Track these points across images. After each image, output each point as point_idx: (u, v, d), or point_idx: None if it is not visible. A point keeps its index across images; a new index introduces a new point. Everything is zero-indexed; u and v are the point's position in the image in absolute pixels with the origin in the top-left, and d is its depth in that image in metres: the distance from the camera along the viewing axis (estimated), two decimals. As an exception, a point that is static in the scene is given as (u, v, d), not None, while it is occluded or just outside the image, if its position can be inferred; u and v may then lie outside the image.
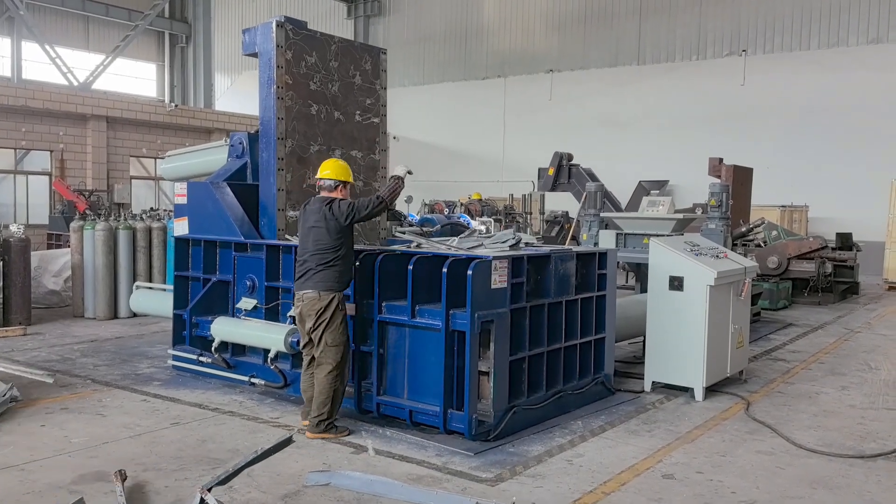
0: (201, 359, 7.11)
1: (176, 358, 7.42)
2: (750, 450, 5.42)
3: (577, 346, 6.35)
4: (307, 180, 7.14)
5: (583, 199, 10.65)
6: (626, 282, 13.70)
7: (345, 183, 5.68)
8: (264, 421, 5.87)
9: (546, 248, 6.39)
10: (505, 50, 27.08)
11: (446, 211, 16.30)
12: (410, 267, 5.53)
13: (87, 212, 14.88)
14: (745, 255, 11.04)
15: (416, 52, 28.83)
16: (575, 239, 13.14)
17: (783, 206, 19.60)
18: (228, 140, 7.71)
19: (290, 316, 6.51)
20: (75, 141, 19.87)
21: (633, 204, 15.67)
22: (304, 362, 5.72)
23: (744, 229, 13.50)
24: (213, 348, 6.94)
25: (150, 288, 8.94)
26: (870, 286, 16.70)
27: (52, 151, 19.44)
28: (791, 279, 13.70)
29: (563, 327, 6.15)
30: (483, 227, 10.62)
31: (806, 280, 13.85)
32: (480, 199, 19.04)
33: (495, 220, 15.60)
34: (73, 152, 19.82)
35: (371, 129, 7.82)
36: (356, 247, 5.96)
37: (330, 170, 5.68)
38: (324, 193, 5.68)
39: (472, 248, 5.97)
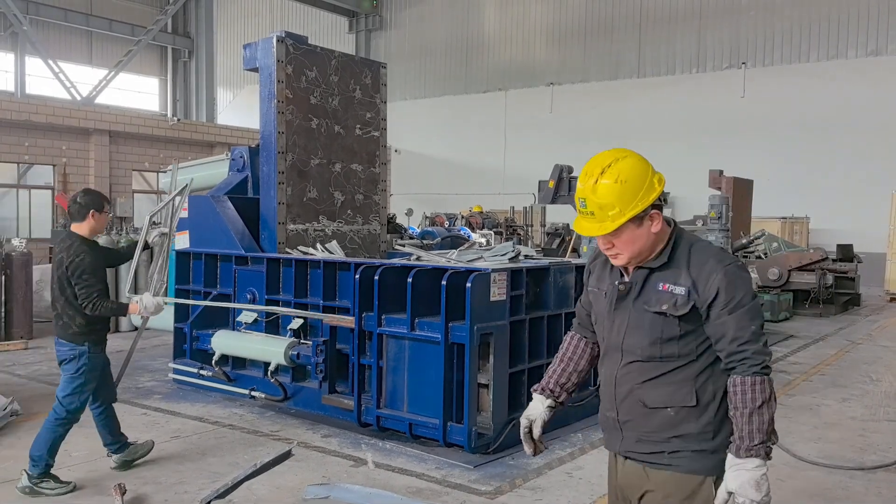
0: (202, 372, 7.12)
1: (176, 371, 7.42)
2: (750, 462, 5.40)
3: (577, 359, 6.35)
4: (307, 194, 7.18)
5: (583, 212, 10.65)
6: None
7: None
8: (264, 434, 5.87)
9: (545, 261, 6.41)
10: (506, 63, 27.21)
11: (447, 224, 16.33)
12: (410, 280, 5.53)
13: (90, 226, 14.92)
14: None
15: (418, 66, 28.98)
16: (576, 251, 13.14)
17: (784, 218, 19.60)
18: (230, 154, 7.76)
19: (289, 329, 6.53)
20: (78, 155, 19.94)
21: (634, 216, 15.62)
22: None
23: (744, 241, 13.50)
24: (213, 361, 6.95)
25: (152, 301, 8.94)
26: (871, 297, 16.67)
27: (54, 166, 19.50)
28: (792, 291, 13.70)
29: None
30: (483, 240, 10.64)
31: (807, 292, 13.85)
32: (481, 212, 19.08)
33: (496, 233, 15.64)
34: (76, 166, 19.88)
35: (371, 143, 7.86)
36: (357, 259, 5.86)
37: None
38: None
39: (472, 260, 5.99)
